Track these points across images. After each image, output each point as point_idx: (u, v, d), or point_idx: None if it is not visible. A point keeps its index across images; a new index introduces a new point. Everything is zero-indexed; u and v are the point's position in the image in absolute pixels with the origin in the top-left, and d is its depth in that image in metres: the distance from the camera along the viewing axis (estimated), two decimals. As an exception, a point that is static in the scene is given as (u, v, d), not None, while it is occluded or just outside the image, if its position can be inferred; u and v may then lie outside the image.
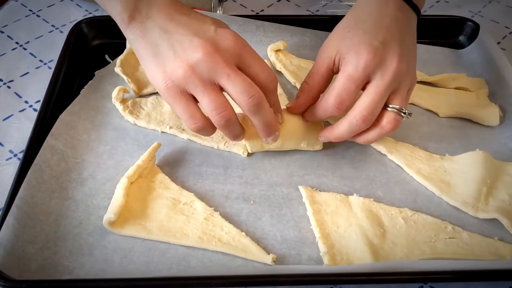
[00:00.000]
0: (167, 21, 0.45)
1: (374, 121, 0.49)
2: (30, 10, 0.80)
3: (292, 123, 0.54)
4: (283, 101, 0.61)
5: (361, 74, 0.47)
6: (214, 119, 0.46)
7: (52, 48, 0.72)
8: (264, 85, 0.46)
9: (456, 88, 0.66)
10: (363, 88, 0.49)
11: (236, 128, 0.49)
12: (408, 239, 0.49)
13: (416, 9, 0.51)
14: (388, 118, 0.49)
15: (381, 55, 0.47)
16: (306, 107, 0.54)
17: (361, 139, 0.52)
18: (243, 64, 0.46)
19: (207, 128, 0.48)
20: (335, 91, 0.48)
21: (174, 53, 0.44)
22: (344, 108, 0.49)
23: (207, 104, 0.45)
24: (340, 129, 0.50)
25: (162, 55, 0.45)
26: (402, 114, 0.49)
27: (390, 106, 0.49)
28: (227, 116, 0.46)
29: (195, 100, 0.46)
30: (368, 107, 0.48)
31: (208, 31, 0.45)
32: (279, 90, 0.64)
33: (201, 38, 0.44)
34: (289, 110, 0.54)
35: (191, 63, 0.44)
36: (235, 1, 0.82)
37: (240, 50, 0.45)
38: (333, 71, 0.51)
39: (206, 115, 0.47)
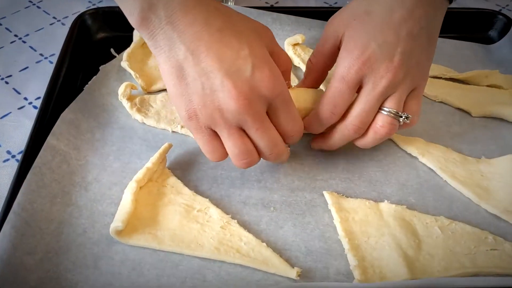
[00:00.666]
0: (195, 41, 0.39)
1: (368, 125, 0.47)
2: (30, 1, 0.77)
3: (302, 98, 0.50)
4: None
5: (353, 76, 0.45)
6: (236, 163, 0.45)
7: (53, 42, 0.69)
8: (286, 136, 0.46)
9: (488, 86, 0.62)
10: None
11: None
12: (445, 250, 0.45)
13: None
14: (382, 122, 0.47)
15: (375, 60, 0.44)
16: (314, 86, 0.53)
17: (359, 144, 0.49)
18: (272, 111, 0.43)
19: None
20: (328, 94, 0.47)
21: (201, 87, 0.40)
22: (339, 112, 0.47)
23: (230, 148, 0.44)
24: (333, 138, 0.49)
25: (187, 81, 0.40)
26: (400, 118, 0.46)
27: (385, 109, 0.46)
28: (250, 163, 0.45)
29: (218, 135, 0.44)
30: (359, 115, 0.46)
31: (244, 71, 0.40)
32: (298, 87, 0.60)
33: (234, 82, 0.40)
34: None
35: (220, 107, 0.40)
36: (248, -8, 0.79)
37: (274, 98, 0.42)
38: (339, 48, 0.48)
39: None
